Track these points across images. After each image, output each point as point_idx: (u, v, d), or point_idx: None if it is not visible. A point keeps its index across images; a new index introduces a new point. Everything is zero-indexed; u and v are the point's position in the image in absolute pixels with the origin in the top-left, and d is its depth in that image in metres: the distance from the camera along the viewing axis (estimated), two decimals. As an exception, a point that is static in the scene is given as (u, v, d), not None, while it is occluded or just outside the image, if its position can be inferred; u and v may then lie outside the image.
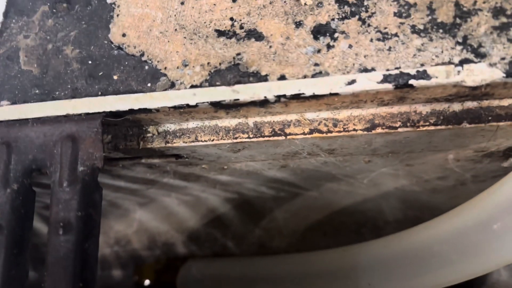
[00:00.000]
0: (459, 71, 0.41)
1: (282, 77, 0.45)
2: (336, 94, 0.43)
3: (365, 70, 0.43)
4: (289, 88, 0.44)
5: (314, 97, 0.44)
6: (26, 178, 0.49)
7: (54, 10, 0.53)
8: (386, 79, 0.42)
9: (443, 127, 0.46)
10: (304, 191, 0.77)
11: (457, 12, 0.43)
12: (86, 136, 0.47)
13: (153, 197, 0.80)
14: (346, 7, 0.45)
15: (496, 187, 0.49)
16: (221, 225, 0.90)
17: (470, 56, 0.42)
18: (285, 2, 0.47)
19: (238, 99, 0.45)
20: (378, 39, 0.44)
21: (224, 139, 0.50)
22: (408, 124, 0.46)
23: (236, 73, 0.46)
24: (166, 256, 0.99)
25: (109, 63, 0.50)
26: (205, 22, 0.48)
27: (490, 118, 0.45)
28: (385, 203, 0.79)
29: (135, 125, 0.52)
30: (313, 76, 0.44)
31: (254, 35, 0.47)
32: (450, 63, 0.42)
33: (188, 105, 0.46)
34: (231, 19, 0.48)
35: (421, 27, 0.43)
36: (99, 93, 0.49)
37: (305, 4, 0.46)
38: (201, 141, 0.51)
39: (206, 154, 0.54)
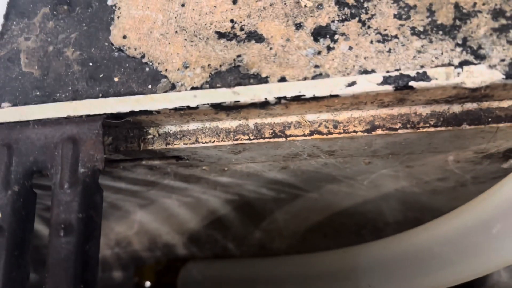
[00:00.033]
0: (459, 73, 0.41)
1: (283, 79, 0.45)
2: (336, 96, 0.43)
3: (365, 71, 0.43)
4: (289, 89, 0.44)
5: (315, 98, 0.44)
6: (27, 180, 0.49)
7: (55, 12, 0.54)
8: (386, 80, 0.42)
9: (443, 128, 0.46)
10: (305, 193, 0.77)
11: (457, 14, 0.43)
12: (87, 138, 0.47)
13: (154, 199, 0.80)
14: (346, 9, 0.46)
15: (496, 188, 0.49)
16: (221, 226, 0.90)
17: (470, 57, 0.42)
18: (285, 4, 0.47)
19: (238, 101, 0.45)
20: (378, 41, 0.44)
21: (224, 141, 0.50)
22: (408, 126, 0.46)
23: (237, 75, 0.46)
24: (167, 258, 0.99)
25: (109, 65, 0.50)
26: (205, 24, 0.48)
27: (490, 119, 0.45)
28: (385, 204, 0.79)
29: (136, 127, 0.52)
30: (313, 78, 0.44)
31: (255, 37, 0.47)
32: (450, 64, 0.42)
33: (188, 107, 0.46)
34: (232, 21, 0.48)
35: (421, 29, 0.43)
36: (100, 95, 0.49)
37: (305, 6, 0.47)
38: (202, 142, 0.51)
39: (207, 155, 0.55)
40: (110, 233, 0.95)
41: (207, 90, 0.46)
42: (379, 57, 0.43)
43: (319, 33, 0.45)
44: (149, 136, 0.52)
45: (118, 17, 0.51)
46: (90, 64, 0.50)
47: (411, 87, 0.42)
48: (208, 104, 0.46)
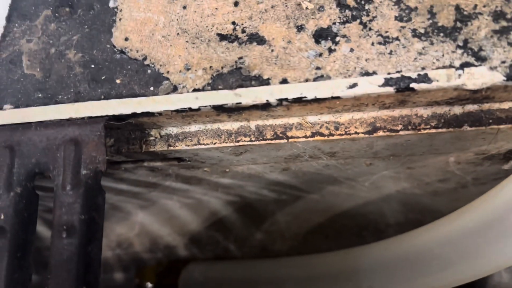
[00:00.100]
0: (460, 75, 0.42)
1: (284, 81, 0.45)
2: (337, 98, 0.43)
3: (367, 73, 0.43)
4: (291, 91, 0.44)
5: (316, 100, 0.44)
6: (29, 182, 0.49)
7: (56, 15, 0.54)
8: (387, 82, 0.42)
9: (444, 130, 0.46)
10: (306, 194, 0.77)
11: (458, 16, 0.43)
12: (89, 139, 0.47)
13: (155, 200, 0.80)
14: (347, 11, 0.46)
15: (497, 189, 0.49)
16: (222, 228, 0.90)
17: (471, 59, 0.42)
18: (286, 6, 0.47)
19: (240, 103, 0.45)
20: (379, 43, 0.44)
21: (226, 142, 0.50)
22: (409, 127, 0.46)
23: (238, 76, 0.46)
24: (168, 259, 0.99)
25: (111, 67, 0.50)
26: (207, 26, 0.49)
27: (490, 121, 0.45)
28: (386, 206, 0.79)
29: (138, 129, 0.52)
30: (314, 79, 0.44)
31: (256, 39, 0.47)
32: (451, 66, 0.42)
33: (190, 109, 0.46)
34: (233, 23, 0.48)
35: (422, 30, 0.44)
36: (102, 97, 0.49)
37: (307, 8, 0.47)
38: (203, 144, 0.51)
39: (208, 157, 0.55)
40: (111, 235, 0.95)
41: (209, 92, 0.46)
42: (380, 59, 0.44)
43: (320, 35, 0.46)
44: (151, 138, 0.52)
45: (120, 19, 0.51)
46: (92, 66, 0.50)
47: (412, 89, 0.42)
48: (210, 106, 0.46)
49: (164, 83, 0.48)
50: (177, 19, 0.50)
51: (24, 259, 0.47)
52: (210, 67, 0.47)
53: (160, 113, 0.47)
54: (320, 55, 0.45)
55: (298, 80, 0.45)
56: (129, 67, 0.49)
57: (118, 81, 0.49)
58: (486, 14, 0.43)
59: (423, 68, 0.42)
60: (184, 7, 0.50)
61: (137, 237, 0.95)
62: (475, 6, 0.43)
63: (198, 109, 0.46)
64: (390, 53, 0.44)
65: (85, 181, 0.46)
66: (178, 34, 0.49)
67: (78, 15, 0.53)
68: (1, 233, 0.47)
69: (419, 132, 0.46)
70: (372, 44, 0.44)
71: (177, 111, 0.47)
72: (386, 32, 0.44)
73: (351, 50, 0.44)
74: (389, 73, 0.43)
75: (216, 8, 0.49)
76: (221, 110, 0.46)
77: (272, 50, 0.46)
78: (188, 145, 0.51)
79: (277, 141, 0.49)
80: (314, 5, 0.47)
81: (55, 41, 0.53)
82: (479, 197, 0.50)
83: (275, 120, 0.49)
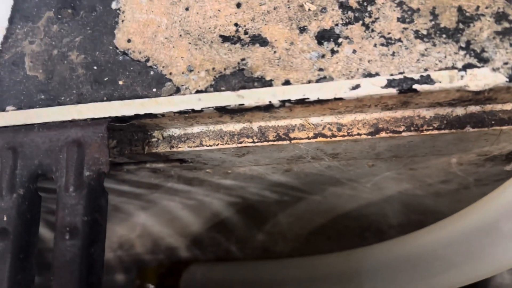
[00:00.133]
0: (462, 76, 0.42)
1: (287, 82, 0.45)
2: (340, 99, 0.44)
3: (369, 75, 0.43)
4: (293, 93, 0.44)
5: (319, 101, 0.44)
6: (32, 183, 0.49)
7: (59, 16, 0.54)
8: (390, 84, 0.42)
9: (446, 131, 0.46)
10: (308, 195, 0.77)
11: (460, 18, 0.43)
12: (92, 141, 0.47)
13: (157, 202, 0.80)
14: (349, 12, 0.46)
15: (499, 190, 0.49)
16: (224, 229, 0.90)
17: (473, 61, 0.42)
18: (289, 7, 0.47)
19: (243, 104, 0.45)
20: (382, 44, 0.44)
21: (228, 144, 0.50)
22: (412, 129, 0.46)
23: (241, 78, 0.46)
24: (169, 261, 0.99)
25: (114, 69, 0.50)
26: (209, 28, 0.49)
27: (493, 122, 0.45)
28: (388, 207, 0.79)
29: (140, 130, 0.52)
30: (317, 81, 0.44)
31: (259, 40, 0.47)
32: (453, 68, 0.42)
33: (193, 110, 0.46)
34: (236, 24, 0.48)
35: (425, 32, 0.44)
36: (105, 98, 0.49)
37: (309, 9, 0.47)
38: (206, 145, 0.51)
39: (211, 158, 0.55)
40: (113, 236, 0.96)
41: (211, 93, 0.46)
42: (383, 60, 0.44)
43: (323, 36, 0.46)
44: (154, 139, 0.52)
45: (122, 21, 0.51)
46: (95, 67, 0.51)
47: (415, 90, 0.42)
48: (212, 107, 0.46)
49: (167, 84, 0.48)
50: (180, 21, 0.50)
51: (27, 261, 0.47)
52: (213, 68, 0.47)
53: (162, 115, 0.47)
54: (323, 56, 0.45)
55: (300, 82, 0.45)
56: (131, 68, 0.49)
57: (120, 82, 0.49)
58: (488, 16, 0.43)
59: (425, 70, 0.42)
60: (187, 9, 0.50)
61: (139, 239, 0.95)
62: (478, 7, 0.43)
63: (201, 111, 0.46)
64: (393, 54, 0.44)
65: (88, 182, 0.46)
66: (180, 35, 0.49)
67: (80, 16, 0.53)
68: (4, 234, 0.47)
69: (422, 133, 0.46)
70: (375, 45, 0.44)
71: (180, 112, 0.47)
72: (389, 33, 0.44)
73: (354, 51, 0.44)
74: (391, 75, 0.43)
75: (219, 10, 0.49)
76: (223, 111, 0.46)
77: (275, 52, 0.46)
78: (191, 147, 0.51)
79: (280, 142, 0.49)
80: (316, 6, 0.47)
81: (57, 43, 0.53)
82: (482, 198, 0.50)
83: (277, 121, 0.49)
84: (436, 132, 0.46)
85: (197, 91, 0.47)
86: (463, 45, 0.43)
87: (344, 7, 0.46)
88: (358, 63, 0.44)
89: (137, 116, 0.48)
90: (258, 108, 0.46)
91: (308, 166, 0.60)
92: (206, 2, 0.50)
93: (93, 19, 0.53)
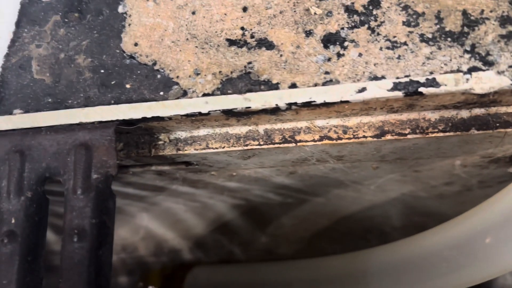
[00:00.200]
0: (467, 79, 0.42)
1: (293, 85, 0.45)
2: (346, 102, 0.44)
3: (375, 78, 0.44)
4: (300, 96, 0.45)
5: (325, 104, 0.44)
6: (39, 186, 0.49)
7: (66, 20, 0.54)
8: (396, 87, 0.43)
9: (451, 133, 0.46)
10: (312, 197, 0.77)
11: (465, 21, 0.44)
12: (100, 144, 0.48)
13: (161, 204, 0.80)
14: (355, 16, 0.46)
15: (503, 192, 0.49)
16: (228, 231, 0.90)
17: (478, 64, 0.42)
18: (295, 11, 0.48)
19: (249, 107, 0.46)
20: (388, 48, 0.44)
21: (234, 146, 0.51)
22: (417, 131, 0.47)
23: (248, 81, 0.47)
24: (173, 263, 0.99)
25: (121, 72, 0.50)
26: (216, 32, 0.49)
27: (498, 124, 0.46)
28: (392, 209, 0.80)
29: (147, 133, 0.52)
30: (323, 84, 0.45)
31: (265, 44, 0.47)
32: (458, 71, 0.42)
33: (200, 113, 0.47)
34: (242, 28, 0.49)
35: (430, 35, 0.44)
36: (112, 101, 0.49)
37: (315, 13, 0.47)
38: (212, 148, 0.51)
39: (216, 161, 0.55)
40: (116, 238, 0.95)
41: (218, 96, 0.46)
42: (388, 64, 0.44)
43: (329, 40, 0.46)
44: (160, 142, 0.52)
45: (129, 25, 0.52)
46: (102, 71, 0.51)
47: (421, 93, 0.42)
48: (219, 110, 0.46)
49: (174, 88, 0.48)
50: (186, 25, 0.50)
51: (35, 263, 0.48)
52: (220, 72, 0.48)
53: (170, 118, 0.48)
54: (329, 59, 0.45)
55: (307, 85, 0.45)
56: (138, 72, 0.50)
57: (128, 86, 0.49)
58: (493, 19, 0.43)
59: (431, 73, 0.43)
60: (193, 13, 0.50)
61: (142, 241, 0.96)
62: (482, 11, 0.44)
63: (208, 114, 0.47)
64: (399, 57, 0.44)
65: (96, 185, 0.47)
66: (187, 39, 0.50)
67: (87, 20, 0.54)
68: (12, 237, 0.47)
69: (427, 135, 0.47)
70: (381, 48, 0.45)
71: (187, 115, 0.47)
72: (394, 37, 0.45)
73: (360, 54, 0.45)
74: (397, 78, 0.43)
75: (225, 14, 0.49)
76: (230, 114, 0.47)
77: (281, 55, 0.47)
78: (197, 149, 0.52)
79: (286, 145, 0.50)
80: (322, 10, 0.47)
81: (64, 46, 0.53)
82: (486, 200, 0.50)
83: (283, 124, 0.50)
84: (441, 134, 0.46)
85: (204, 94, 0.47)
86: (468, 49, 0.43)
87: (350, 11, 0.47)
88: (364, 66, 0.44)
89: (144, 119, 0.48)
90: (264, 111, 0.46)
91: (313, 168, 0.61)
92: (213, 6, 0.50)
93: (100, 22, 0.53)
